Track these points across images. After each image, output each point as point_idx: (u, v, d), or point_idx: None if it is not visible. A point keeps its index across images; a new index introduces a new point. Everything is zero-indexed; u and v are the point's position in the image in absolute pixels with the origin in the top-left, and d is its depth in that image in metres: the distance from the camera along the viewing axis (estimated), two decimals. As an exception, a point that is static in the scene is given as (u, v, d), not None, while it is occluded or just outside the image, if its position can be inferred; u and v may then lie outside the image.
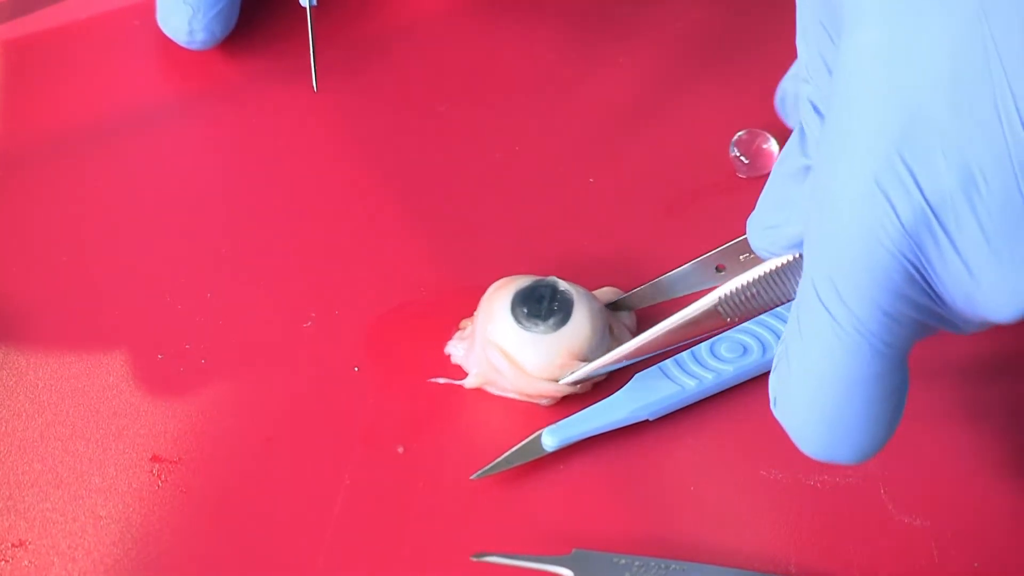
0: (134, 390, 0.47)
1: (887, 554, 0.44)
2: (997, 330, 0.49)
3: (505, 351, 0.46)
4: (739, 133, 0.54)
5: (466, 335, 0.48)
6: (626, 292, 0.48)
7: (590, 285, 0.48)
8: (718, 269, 0.45)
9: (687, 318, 0.43)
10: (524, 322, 0.46)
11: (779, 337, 0.47)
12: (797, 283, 0.39)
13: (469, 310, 0.49)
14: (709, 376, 0.47)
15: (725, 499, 0.45)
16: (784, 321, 0.48)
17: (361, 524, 0.44)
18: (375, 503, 0.45)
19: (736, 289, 0.41)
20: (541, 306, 0.46)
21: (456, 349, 0.48)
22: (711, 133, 0.54)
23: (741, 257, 0.41)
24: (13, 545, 0.44)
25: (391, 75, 0.58)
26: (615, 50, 0.59)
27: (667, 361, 0.47)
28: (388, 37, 0.59)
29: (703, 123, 0.55)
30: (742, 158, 0.53)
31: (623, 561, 0.43)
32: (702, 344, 0.47)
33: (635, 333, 0.47)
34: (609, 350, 0.46)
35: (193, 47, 0.57)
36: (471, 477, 0.45)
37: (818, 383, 0.35)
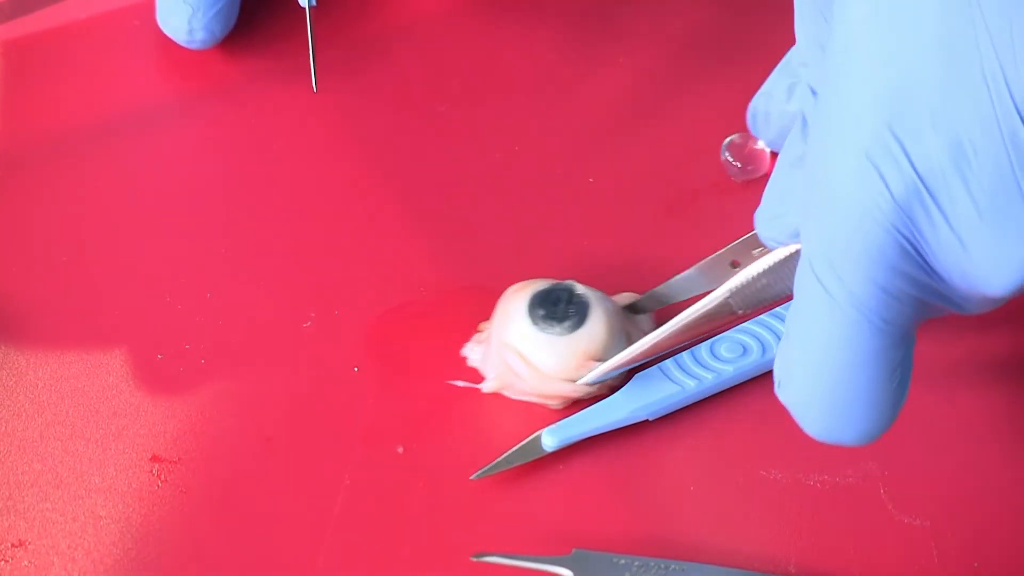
0: (134, 390, 0.47)
1: (887, 554, 0.44)
2: (996, 330, 0.49)
3: (521, 353, 0.46)
4: (730, 137, 0.53)
5: (483, 338, 0.48)
6: (640, 294, 0.48)
7: (589, 284, 0.48)
8: (733, 265, 0.45)
9: (699, 313, 0.43)
10: (540, 324, 0.46)
11: (779, 337, 0.47)
12: None
13: (469, 310, 0.49)
14: (709, 376, 0.47)
15: (725, 499, 0.45)
16: (784, 321, 0.48)
17: (361, 524, 0.44)
18: (375, 503, 0.45)
19: (746, 281, 0.41)
20: (557, 308, 0.46)
21: (473, 352, 0.48)
22: (712, 133, 0.54)
23: (754, 251, 0.41)
24: (13, 545, 0.44)
25: (391, 75, 0.58)
26: (615, 50, 0.59)
27: (667, 361, 0.47)
28: (388, 37, 0.59)
29: (703, 123, 0.55)
30: (735, 162, 0.53)
31: (623, 561, 0.43)
32: (702, 344, 0.47)
33: None
34: None
35: (193, 47, 0.57)
36: (471, 477, 0.45)
37: (819, 362, 0.35)
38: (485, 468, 0.45)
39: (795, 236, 0.39)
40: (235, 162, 0.55)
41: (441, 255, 0.51)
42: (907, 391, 0.36)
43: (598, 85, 0.57)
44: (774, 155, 0.53)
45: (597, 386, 0.46)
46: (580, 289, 0.47)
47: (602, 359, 0.46)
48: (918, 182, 0.32)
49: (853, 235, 0.33)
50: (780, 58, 0.51)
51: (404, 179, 0.54)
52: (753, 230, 0.41)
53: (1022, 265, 0.32)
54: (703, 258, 0.47)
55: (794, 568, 0.43)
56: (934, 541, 0.44)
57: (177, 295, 0.50)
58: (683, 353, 0.47)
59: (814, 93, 0.37)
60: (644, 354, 0.45)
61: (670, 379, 0.47)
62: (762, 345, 0.47)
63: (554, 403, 0.47)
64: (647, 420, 0.46)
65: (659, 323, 0.48)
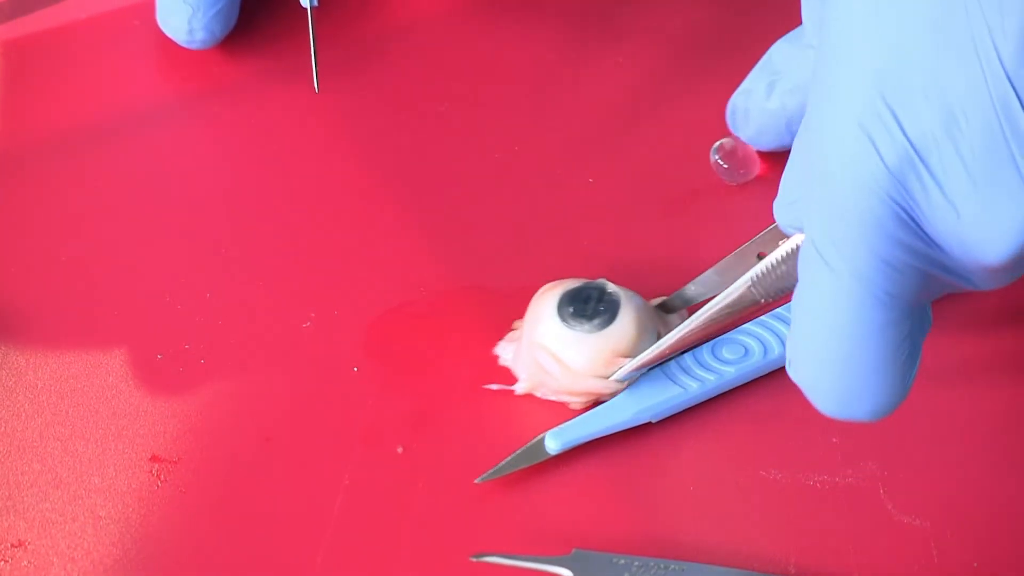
0: (134, 390, 0.47)
1: (887, 554, 0.44)
2: (996, 330, 0.49)
3: (552, 351, 0.46)
4: (720, 141, 0.53)
5: (515, 336, 0.48)
6: (667, 295, 0.48)
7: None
8: (759, 257, 0.45)
9: (722, 303, 0.43)
10: (570, 321, 0.46)
11: (781, 339, 0.48)
12: None
13: (469, 310, 0.49)
14: (711, 378, 0.47)
15: (725, 499, 0.45)
16: (785, 322, 0.48)
17: (361, 524, 0.44)
18: (375, 503, 0.45)
19: (766, 269, 0.41)
20: (588, 306, 0.46)
21: (505, 351, 0.48)
22: (712, 132, 0.54)
23: (780, 242, 0.41)
24: (13, 545, 0.44)
25: (391, 75, 0.58)
26: (615, 50, 0.58)
27: (669, 363, 0.47)
28: (388, 37, 0.59)
29: (704, 123, 0.55)
30: (722, 163, 0.53)
31: (623, 561, 0.43)
32: (704, 346, 0.47)
33: None
34: None
35: (193, 47, 0.57)
36: (475, 481, 0.45)
37: (827, 337, 0.35)
38: (488, 472, 0.45)
39: None
40: (235, 162, 0.55)
41: (441, 255, 0.51)
42: (917, 366, 0.36)
43: (598, 85, 0.57)
44: (763, 157, 0.53)
45: (628, 382, 0.46)
46: (611, 288, 0.47)
47: (632, 356, 0.46)
48: (911, 150, 0.32)
49: (849, 206, 0.33)
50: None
51: (404, 179, 0.54)
52: (761, 227, 0.41)
53: (1015, 231, 0.32)
54: (703, 257, 0.47)
55: (794, 568, 0.43)
56: (934, 541, 0.44)
57: (177, 295, 0.50)
58: (686, 355, 0.47)
59: None
60: (672, 348, 0.45)
61: (672, 381, 0.47)
62: (763, 346, 0.47)
63: (576, 402, 0.46)
64: (650, 422, 0.46)
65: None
